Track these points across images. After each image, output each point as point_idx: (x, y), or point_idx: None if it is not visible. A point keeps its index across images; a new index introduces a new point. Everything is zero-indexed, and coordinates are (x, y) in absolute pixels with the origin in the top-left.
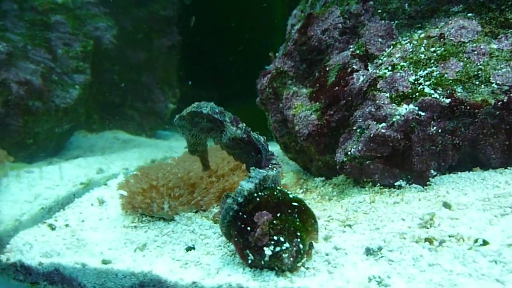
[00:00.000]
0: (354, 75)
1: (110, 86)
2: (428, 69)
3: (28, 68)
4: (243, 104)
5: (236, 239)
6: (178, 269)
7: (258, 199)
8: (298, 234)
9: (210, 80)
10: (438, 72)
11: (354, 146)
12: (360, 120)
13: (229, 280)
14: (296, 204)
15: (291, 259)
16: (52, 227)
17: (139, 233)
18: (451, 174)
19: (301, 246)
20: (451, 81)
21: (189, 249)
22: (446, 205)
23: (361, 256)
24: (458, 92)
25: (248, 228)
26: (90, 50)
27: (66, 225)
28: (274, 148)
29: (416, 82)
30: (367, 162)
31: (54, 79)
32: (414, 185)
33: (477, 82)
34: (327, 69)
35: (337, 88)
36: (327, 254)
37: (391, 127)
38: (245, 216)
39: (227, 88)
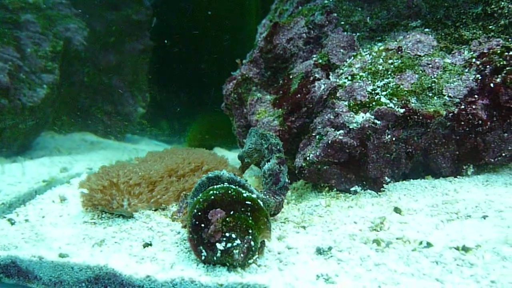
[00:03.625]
0: (316, 84)
1: (79, 88)
2: (385, 80)
3: None
4: (212, 109)
5: (190, 236)
6: (134, 264)
7: (212, 197)
8: (250, 231)
9: (180, 86)
10: (394, 83)
11: (313, 152)
12: (319, 127)
13: (182, 274)
14: (249, 203)
15: (242, 255)
16: (11, 222)
17: (98, 229)
18: (404, 181)
19: (252, 243)
20: (406, 92)
21: (146, 245)
22: (397, 210)
23: (311, 256)
24: (412, 103)
25: (202, 225)
26: (60, 51)
27: (26, 220)
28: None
29: (373, 92)
30: (325, 167)
31: (21, 77)
32: (368, 190)
33: (430, 94)
34: (291, 77)
35: (299, 95)
36: (279, 253)
37: (348, 134)
38: (199, 213)
39: (197, 93)
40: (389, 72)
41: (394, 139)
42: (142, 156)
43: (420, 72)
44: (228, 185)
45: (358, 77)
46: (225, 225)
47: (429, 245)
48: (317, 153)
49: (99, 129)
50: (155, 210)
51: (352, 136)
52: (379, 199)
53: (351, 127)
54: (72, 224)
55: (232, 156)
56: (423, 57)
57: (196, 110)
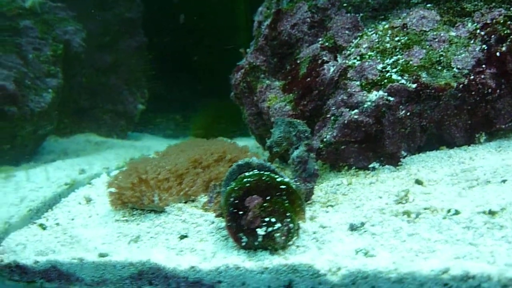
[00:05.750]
0: (325, 66)
1: (79, 89)
2: (394, 57)
3: (1, 73)
4: (215, 100)
5: (229, 224)
6: (174, 256)
7: (248, 184)
8: (288, 214)
9: (179, 79)
10: (403, 59)
11: (329, 133)
12: (333, 108)
13: (226, 262)
14: (283, 186)
15: (283, 238)
16: (42, 227)
17: (131, 226)
18: (420, 154)
19: (291, 225)
20: (416, 67)
21: (182, 237)
22: (418, 182)
23: (345, 232)
24: (423, 77)
25: (240, 213)
26: (60, 54)
27: (57, 224)
28: (250, 142)
29: (383, 70)
30: (342, 147)
31: (27, 83)
32: (387, 166)
33: (439, 68)
34: (298, 61)
35: (309, 79)
36: (314, 233)
37: (363, 113)
38: (236, 201)
39: (197, 85)
40: (397, 50)
41: (408, 114)
42: (151, 152)
43: (427, 47)
44: (260, 172)
45: (367, 56)
46: (263, 210)
47: (457, 212)
48: (334, 134)
49: (101, 129)
50: (185, 203)
51: (367, 114)
52: (398, 173)
53: (365, 106)
54: (104, 223)
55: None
56: (429, 32)
57: (197, 102)
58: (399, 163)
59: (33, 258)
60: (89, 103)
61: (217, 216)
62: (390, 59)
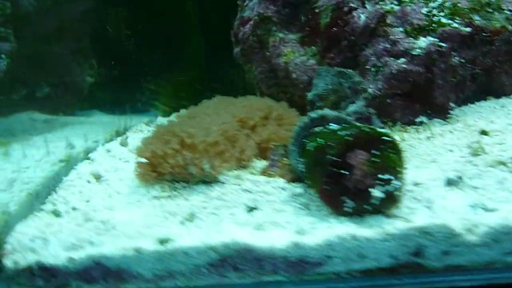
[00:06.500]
0: (354, 14)
1: (19, 59)
2: (439, 0)
3: None
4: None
5: (326, 187)
6: (257, 233)
7: (347, 137)
8: (399, 169)
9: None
10: (450, 2)
11: (372, 85)
12: (373, 58)
13: (336, 232)
14: (387, 138)
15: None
16: (56, 213)
17: (179, 203)
18: (469, 105)
19: (403, 182)
20: (466, 9)
21: (251, 209)
22: (484, 133)
23: (444, 188)
24: (476, 20)
25: (341, 172)
26: (10, 13)
27: (73, 209)
28: None
29: (430, 14)
30: (388, 100)
31: None
32: (435, 119)
33: (490, 10)
34: (317, 11)
35: (335, 29)
36: (409, 191)
37: (412, 61)
38: (336, 158)
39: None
40: None
41: (461, 60)
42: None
43: None
44: (356, 123)
45: (407, 0)
46: (374, 167)
47: None
48: (379, 86)
49: (45, 106)
50: (236, 169)
51: (417, 62)
52: (452, 125)
53: (414, 53)
54: (136, 202)
55: None
56: None
57: (156, 74)
58: (448, 116)
59: (65, 255)
60: (30, 76)
61: (289, 181)
62: (434, 2)
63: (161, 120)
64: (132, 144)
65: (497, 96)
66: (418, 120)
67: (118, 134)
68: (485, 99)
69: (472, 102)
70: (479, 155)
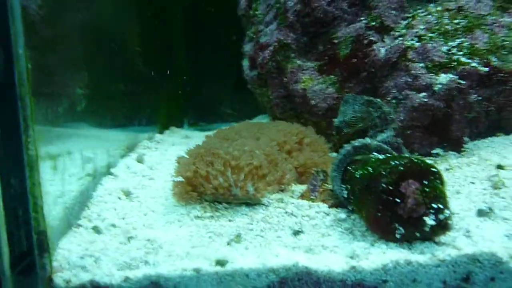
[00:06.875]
0: (374, 47)
1: None
2: (458, 40)
3: None
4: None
5: (379, 214)
6: (311, 256)
7: (401, 168)
8: (447, 199)
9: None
10: (468, 42)
11: None
12: (394, 91)
13: (391, 257)
14: (434, 170)
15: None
16: (96, 230)
17: (222, 224)
18: (482, 140)
19: (452, 211)
20: (484, 50)
21: (297, 233)
22: (500, 167)
23: (475, 218)
24: (494, 61)
25: (396, 200)
26: None
27: (113, 226)
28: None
29: (449, 52)
30: (408, 131)
31: None
32: (450, 152)
33: (505, 52)
34: (335, 41)
35: (355, 60)
36: None
37: (433, 96)
38: (390, 187)
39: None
40: (458, 32)
41: (479, 98)
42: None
43: (488, 31)
44: (408, 154)
45: (428, 38)
46: (426, 196)
47: None
48: (401, 118)
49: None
50: (276, 193)
51: (437, 97)
52: (468, 159)
53: (435, 88)
54: (176, 222)
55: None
56: (487, 16)
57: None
58: (462, 149)
59: (120, 274)
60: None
61: (331, 206)
62: (453, 41)
63: (160, 136)
64: (149, 161)
65: (507, 132)
66: (434, 151)
67: (129, 149)
68: (495, 135)
69: (484, 137)
70: (500, 188)
